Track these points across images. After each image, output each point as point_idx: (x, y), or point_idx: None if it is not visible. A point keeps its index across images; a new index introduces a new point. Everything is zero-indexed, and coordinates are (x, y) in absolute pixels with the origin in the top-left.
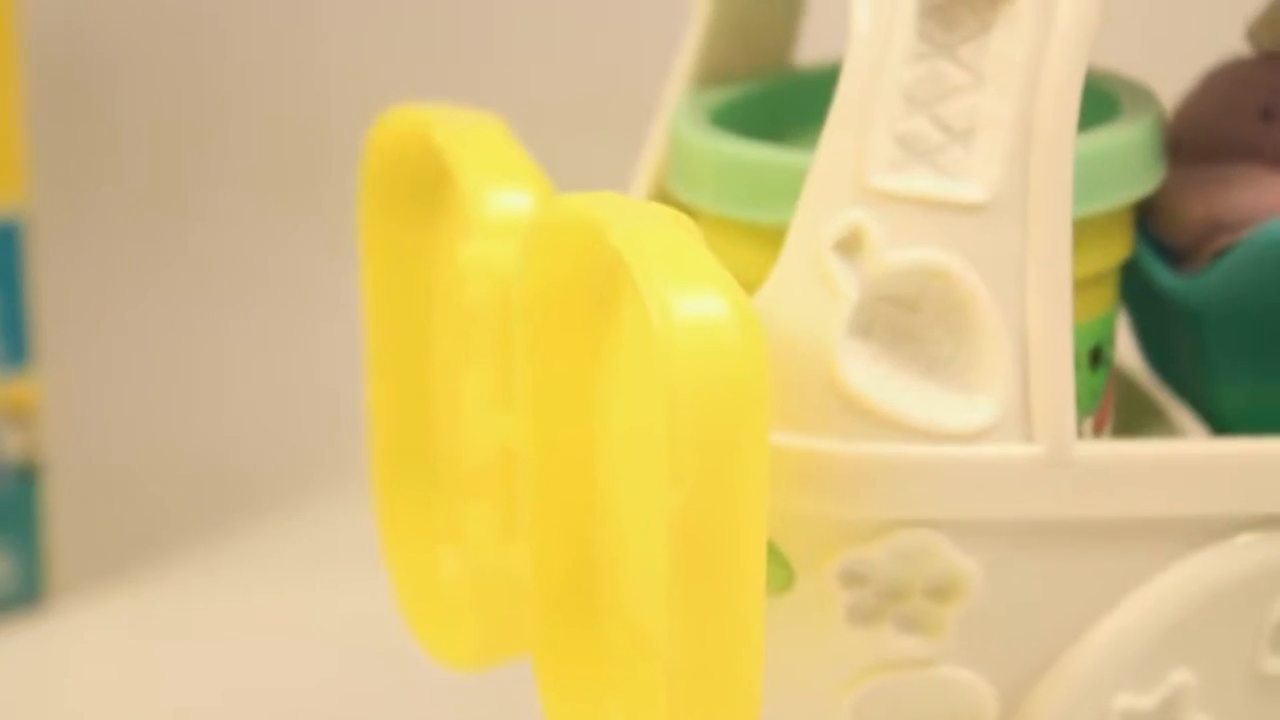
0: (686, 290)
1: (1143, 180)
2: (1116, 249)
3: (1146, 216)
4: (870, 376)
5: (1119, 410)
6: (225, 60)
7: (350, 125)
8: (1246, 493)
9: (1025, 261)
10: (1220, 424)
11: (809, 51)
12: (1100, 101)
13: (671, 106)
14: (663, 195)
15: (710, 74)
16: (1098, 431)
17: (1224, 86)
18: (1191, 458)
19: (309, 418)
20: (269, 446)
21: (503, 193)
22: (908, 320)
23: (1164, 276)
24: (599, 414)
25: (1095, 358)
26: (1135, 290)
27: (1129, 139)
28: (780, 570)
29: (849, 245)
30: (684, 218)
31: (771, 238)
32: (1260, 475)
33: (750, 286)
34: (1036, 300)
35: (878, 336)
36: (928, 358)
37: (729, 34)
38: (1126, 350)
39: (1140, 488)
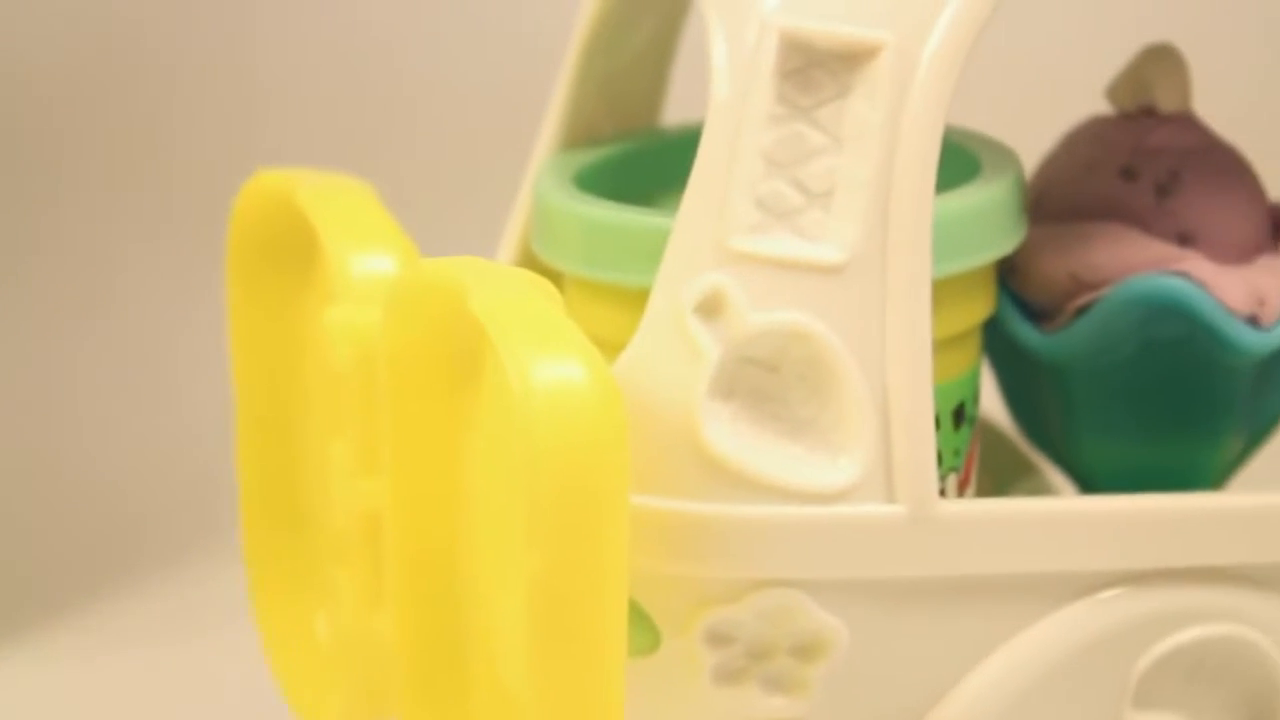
0: (544, 356)
1: (1003, 239)
2: (978, 308)
3: (1009, 274)
4: (732, 438)
5: (993, 467)
6: (85, 101)
7: (224, 191)
8: (1109, 549)
9: (885, 322)
10: (1086, 480)
11: (681, 112)
12: (961, 161)
13: (537, 169)
14: (529, 258)
15: (577, 136)
16: (962, 489)
17: (1085, 146)
18: (1054, 515)
19: (189, 473)
20: (146, 503)
21: (366, 257)
22: (770, 381)
23: (1027, 334)
24: (464, 479)
25: (959, 416)
26: (1000, 348)
27: (989, 199)
28: (646, 632)
29: (710, 308)
30: (544, 282)
31: (636, 300)
32: (1123, 531)
33: (616, 349)
34: (896, 360)
35: (740, 398)
36: (790, 418)
37: (595, 96)
38: (1001, 407)
39: (1003, 545)
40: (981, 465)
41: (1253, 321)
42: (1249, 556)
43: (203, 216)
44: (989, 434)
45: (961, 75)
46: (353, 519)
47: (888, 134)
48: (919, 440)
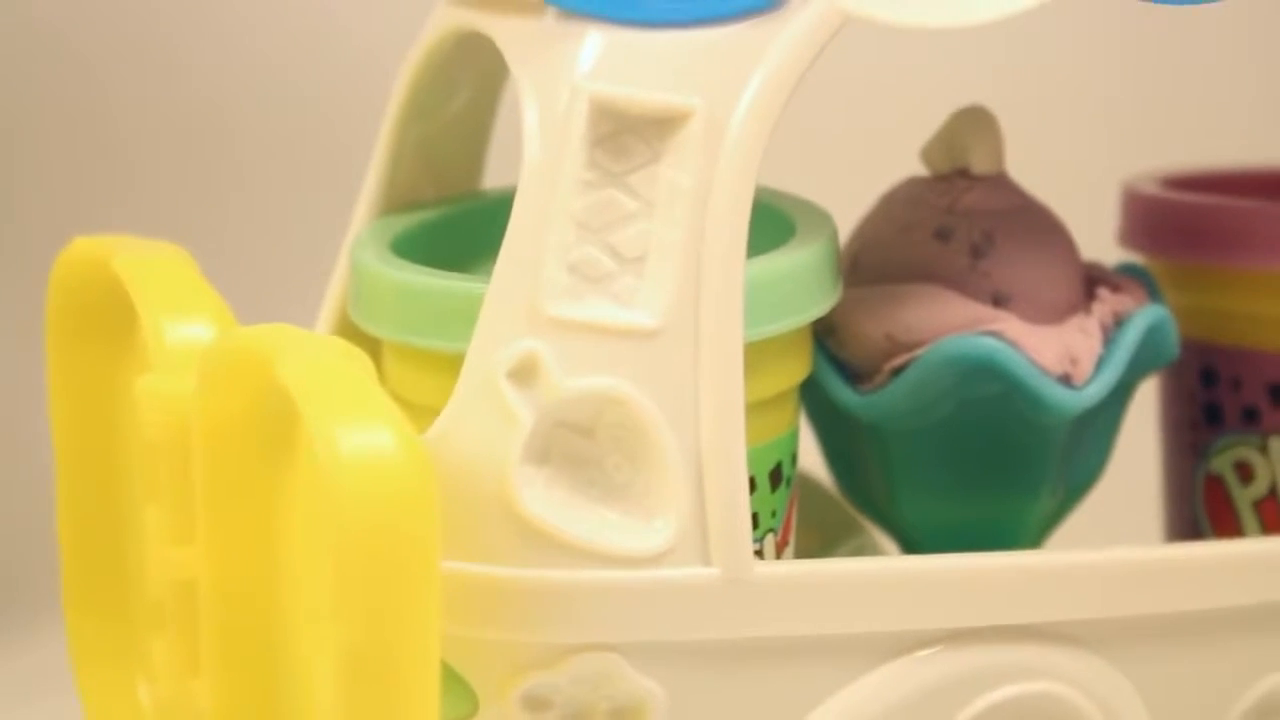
0: (351, 424)
1: (817, 301)
2: (794, 369)
3: (826, 335)
4: (547, 502)
5: (820, 526)
6: None
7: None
8: (926, 608)
9: (698, 386)
10: (907, 539)
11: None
12: (776, 223)
13: (355, 235)
14: (347, 325)
15: (396, 201)
16: (781, 550)
17: (900, 207)
18: (870, 576)
19: (7, 541)
20: None
21: (180, 324)
22: (585, 446)
23: (844, 394)
24: (280, 547)
25: (776, 477)
26: (818, 408)
27: (802, 261)
28: (463, 698)
29: (523, 373)
30: (355, 350)
31: (453, 366)
32: (940, 591)
33: (433, 415)
34: (710, 423)
35: (555, 463)
36: (606, 483)
37: (414, 161)
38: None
39: (819, 606)
40: (809, 524)
41: (1065, 380)
42: (1064, 614)
43: (28, 283)
44: (817, 493)
45: (774, 139)
46: (168, 587)
47: (699, 199)
48: (733, 503)
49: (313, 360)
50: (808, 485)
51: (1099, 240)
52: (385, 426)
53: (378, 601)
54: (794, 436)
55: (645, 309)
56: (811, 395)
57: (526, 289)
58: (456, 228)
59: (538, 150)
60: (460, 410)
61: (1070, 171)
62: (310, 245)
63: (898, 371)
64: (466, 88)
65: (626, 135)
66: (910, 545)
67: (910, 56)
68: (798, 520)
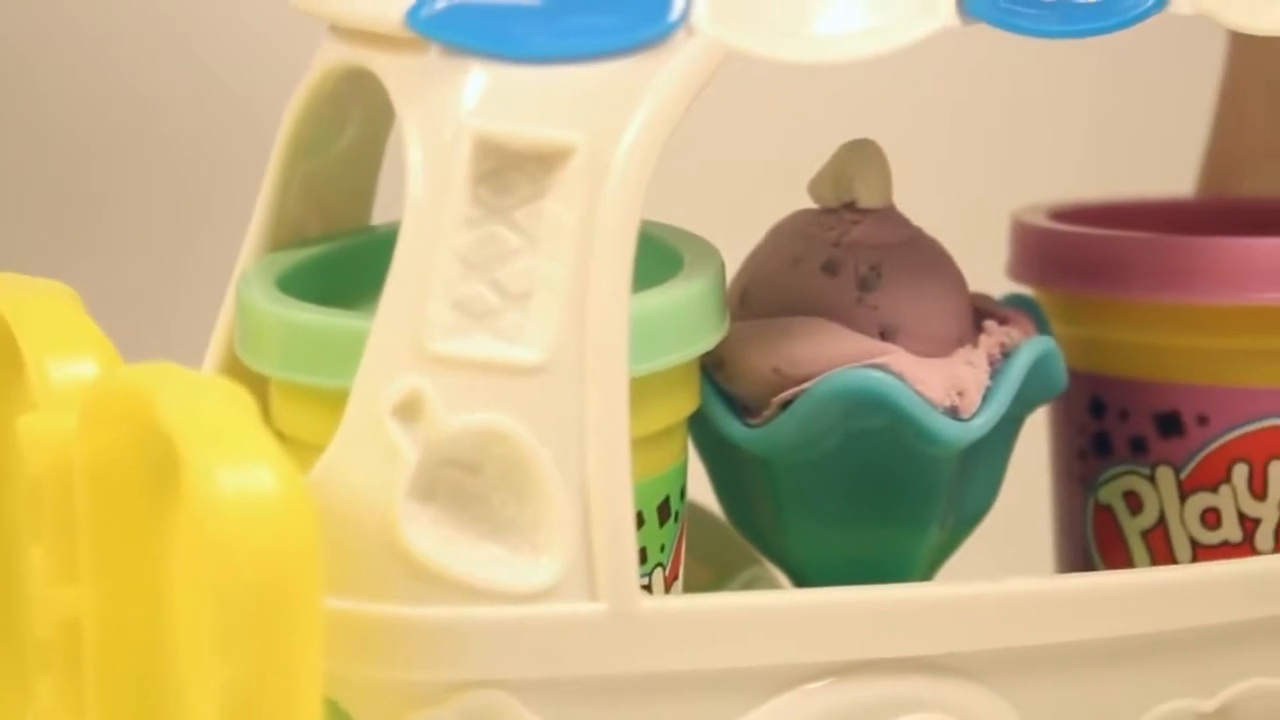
0: (231, 464)
1: (704, 336)
2: (682, 404)
3: (715, 369)
4: (433, 539)
5: (715, 558)
6: None
7: None
8: (815, 642)
9: (584, 421)
10: (797, 572)
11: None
12: (664, 257)
13: (241, 272)
14: (233, 362)
15: (283, 237)
16: (670, 584)
17: (788, 241)
18: (758, 609)
19: None
20: None
21: (63, 363)
22: (471, 482)
23: (733, 428)
24: (165, 587)
25: (664, 511)
26: (708, 442)
27: (689, 295)
28: None
29: (408, 410)
30: (236, 388)
31: (339, 403)
32: (828, 624)
33: (320, 452)
34: (596, 459)
35: (441, 500)
36: (492, 519)
37: (301, 197)
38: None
39: (708, 640)
40: (702, 556)
41: (953, 413)
42: (955, 646)
43: None
44: (710, 524)
45: (662, 171)
46: (52, 627)
47: (583, 234)
48: (619, 538)
49: (193, 400)
50: (701, 517)
51: (989, 272)
52: (264, 465)
53: (259, 641)
54: (682, 470)
55: (530, 345)
56: (700, 428)
57: (411, 325)
58: (344, 263)
59: (421, 187)
60: (345, 447)
61: (960, 203)
62: (198, 281)
63: (786, 405)
64: (354, 123)
65: (510, 171)
66: (800, 578)
67: (798, 89)
68: (691, 553)
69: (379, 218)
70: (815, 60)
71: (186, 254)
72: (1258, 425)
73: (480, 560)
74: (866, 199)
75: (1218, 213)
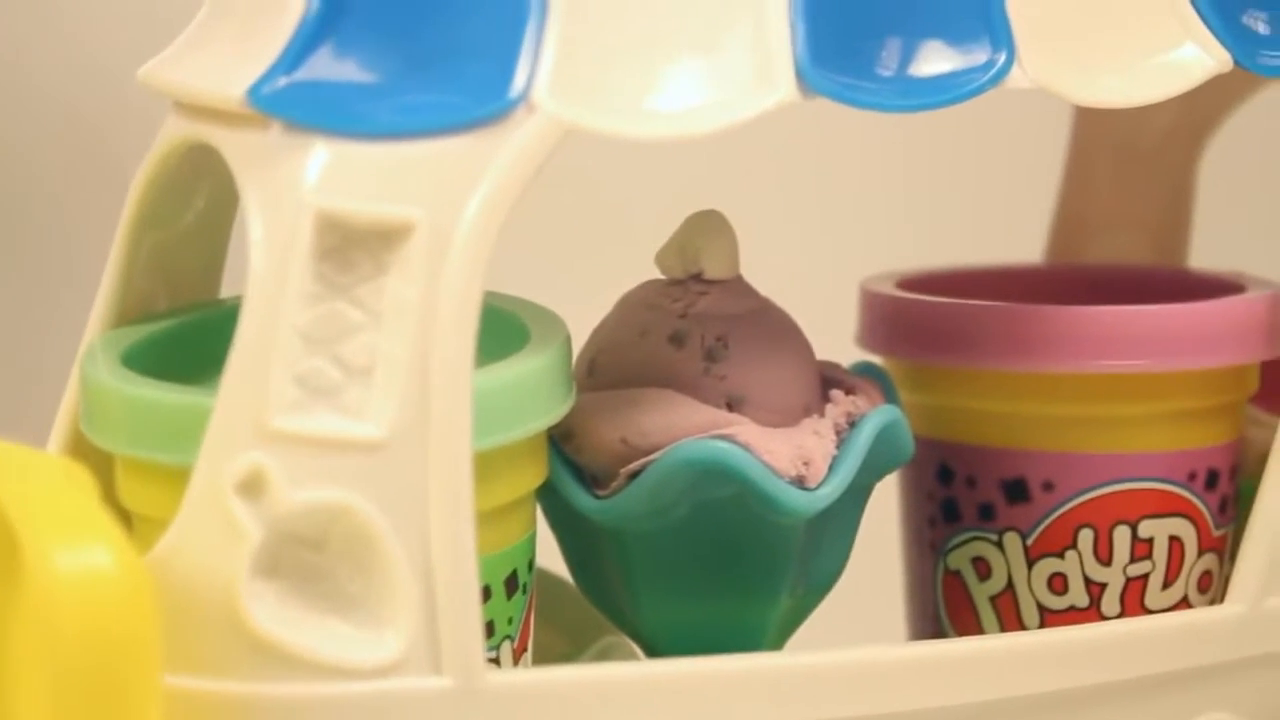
0: (67, 543)
1: (550, 409)
2: (529, 477)
3: (564, 440)
4: (276, 616)
5: (568, 628)
6: None
7: None
8: (662, 711)
9: (428, 496)
10: (649, 642)
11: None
12: (510, 329)
13: (87, 347)
14: (79, 438)
15: (130, 312)
16: (518, 657)
17: (636, 311)
18: (605, 681)
19: None
20: None
21: None
22: (315, 559)
23: (582, 499)
24: (7, 668)
25: (511, 584)
26: (557, 512)
27: (534, 369)
28: None
29: (251, 487)
30: (74, 467)
31: (184, 479)
32: (675, 694)
33: (165, 529)
34: (440, 534)
35: (285, 576)
36: (336, 595)
37: (148, 271)
38: None
39: (555, 714)
40: (557, 626)
41: (799, 482)
42: (805, 714)
43: None
44: (564, 593)
45: (509, 242)
46: None
47: (425, 310)
48: (464, 612)
49: (30, 479)
50: (554, 585)
51: (839, 341)
52: (101, 545)
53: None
54: (530, 543)
55: (373, 421)
56: (550, 499)
57: (253, 402)
58: (191, 338)
59: (262, 263)
60: (188, 524)
61: (810, 273)
62: (45, 355)
63: (634, 476)
64: (201, 197)
65: (352, 248)
66: (652, 647)
67: (645, 159)
68: (546, 621)
69: (229, 291)
70: (654, 136)
71: (33, 327)
72: (1102, 491)
73: (324, 636)
74: (713, 270)
75: (1065, 280)
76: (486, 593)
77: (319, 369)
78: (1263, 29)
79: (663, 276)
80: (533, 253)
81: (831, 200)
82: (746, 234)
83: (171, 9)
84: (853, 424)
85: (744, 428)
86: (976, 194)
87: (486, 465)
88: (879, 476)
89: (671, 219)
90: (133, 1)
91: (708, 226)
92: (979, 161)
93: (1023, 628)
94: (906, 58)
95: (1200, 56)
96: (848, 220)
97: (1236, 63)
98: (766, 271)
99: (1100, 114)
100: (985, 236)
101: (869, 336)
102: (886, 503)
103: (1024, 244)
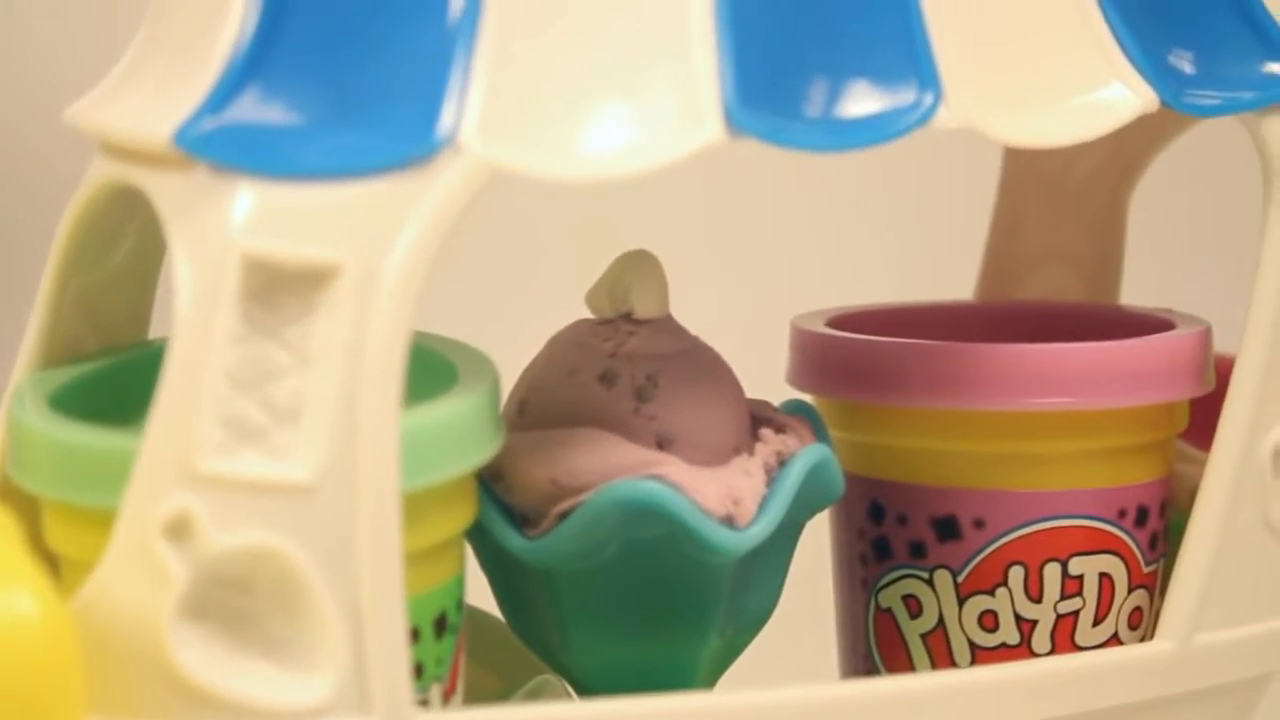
0: None
1: (478, 449)
2: (458, 517)
3: (494, 481)
4: (203, 660)
5: (500, 667)
6: None
7: None
8: None
9: (356, 539)
10: (581, 682)
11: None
12: (438, 370)
13: (14, 389)
14: (6, 481)
15: (58, 353)
16: (448, 698)
17: (566, 351)
18: None
19: None
20: None
21: None
22: (242, 602)
23: (512, 539)
24: None
25: (440, 626)
26: (488, 553)
27: (462, 409)
28: None
29: (177, 530)
30: None
31: (111, 522)
32: None
33: (92, 572)
34: (368, 576)
35: (212, 619)
36: (264, 638)
37: (75, 313)
38: None
39: None
40: (489, 665)
41: (729, 522)
42: None
43: None
44: (499, 632)
45: (440, 281)
46: None
47: (352, 352)
48: (392, 654)
49: None
50: (486, 625)
51: (771, 379)
52: (22, 590)
53: None
54: (459, 583)
55: (300, 463)
56: (480, 539)
57: (180, 444)
58: (119, 380)
59: (189, 305)
60: (114, 567)
61: (741, 311)
62: None
63: (564, 516)
64: (129, 239)
65: (279, 289)
66: (583, 687)
67: (575, 199)
68: (478, 660)
69: (158, 332)
70: (581, 178)
71: None
72: (1033, 528)
73: (252, 680)
74: (643, 309)
75: (997, 317)
76: (415, 634)
77: (246, 411)
78: (1188, 68)
79: (593, 316)
80: (462, 292)
81: (762, 238)
82: (677, 272)
83: (106, 47)
84: (783, 463)
85: (674, 467)
86: (907, 231)
87: (415, 506)
88: (809, 515)
89: (601, 258)
90: (69, 37)
91: (637, 266)
92: (910, 198)
93: (954, 665)
94: (834, 98)
95: (1127, 96)
96: (778, 258)
97: (1163, 102)
98: (697, 310)
99: (1030, 152)
100: (916, 273)
101: (799, 375)
102: (819, 540)
103: (955, 281)
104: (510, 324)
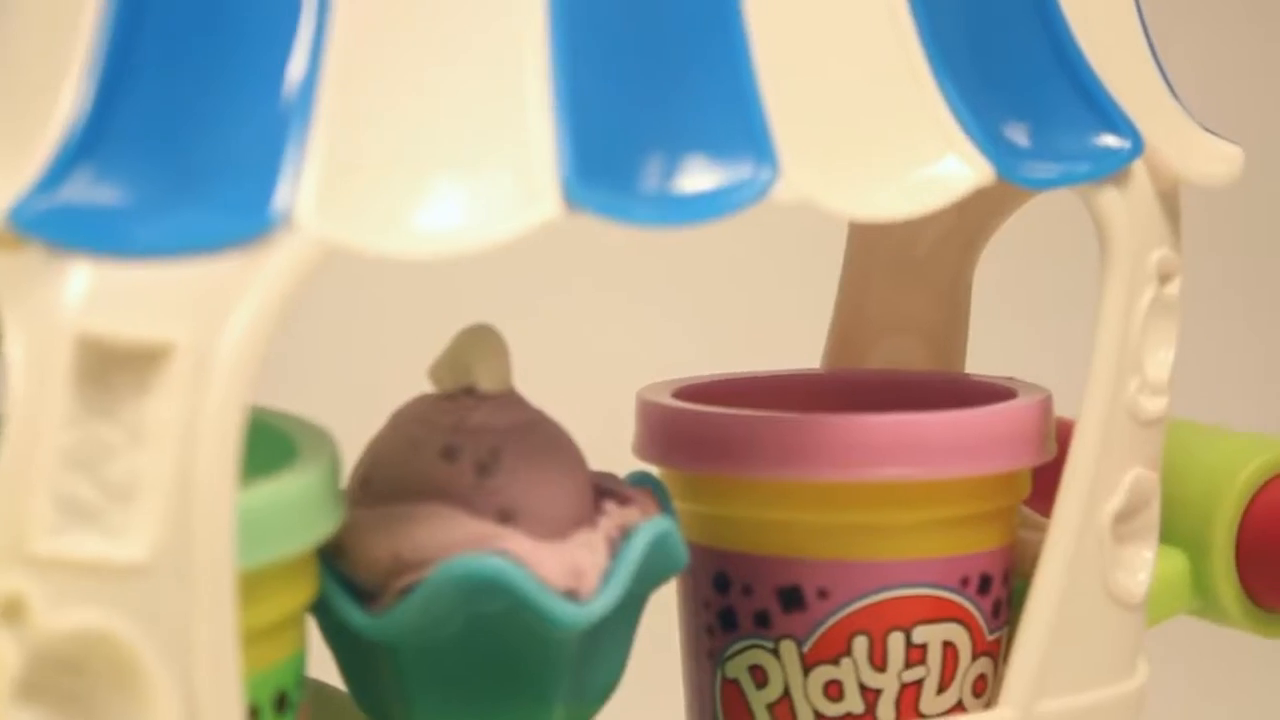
0: None
1: (317, 526)
2: (298, 594)
3: (336, 556)
4: None
5: None
6: None
7: None
8: None
9: (191, 619)
10: None
11: None
12: (277, 446)
13: None
14: None
15: None
16: None
17: (409, 425)
18: None
19: None
20: None
21: None
22: (75, 684)
23: (354, 615)
24: None
25: (281, 704)
26: (332, 628)
27: (300, 486)
28: None
29: (9, 611)
30: None
31: None
32: None
33: None
34: (204, 655)
35: (45, 701)
36: (99, 719)
37: None
38: None
39: None
40: None
41: (571, 595)
42: None
43: None
44: (345, 707)
45: (278, 358)
46: None
47: (187, 431)
48: None
49: None
50: (331, 699)
51: (619, 451)
52: None
53: None
54: (300, 659)
55: (134, 543)
56: (323, 615)
57: (12, 525)
58: None
59: (22, 385)
60: None
61: (588, 383)
62: None
63: (406, 591)
64: None
65: (113, 369)
66: None
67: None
68: None
69: None
70: (417, 256)
71: None
72: (877, 598)
73: None
74: (485, 384)
75: (843, 386)
76: (255, 712)
77: (79, 491)
78: (1024, 141)
79: (436, 390)
80: (305, 366)
81: (607, 309)
82: (521, 345)
83: None
84: (626, 535)
85: (515, 541)
86: (752, 301)
87: (252, 584)
88: (653, 587)
89: (444, 332)
90: None
91: (479, 341)
92: (756, 268)
93: None
94: (670, 172)
95: (963, 170)
96: (624, 329)
97: (999, 175)
98: (541, 383)
99: (873, 224)
100: (763, 343)
101: (645, 446)
102: (667, 610)
103: (802, 350)
104: (353, 398)
